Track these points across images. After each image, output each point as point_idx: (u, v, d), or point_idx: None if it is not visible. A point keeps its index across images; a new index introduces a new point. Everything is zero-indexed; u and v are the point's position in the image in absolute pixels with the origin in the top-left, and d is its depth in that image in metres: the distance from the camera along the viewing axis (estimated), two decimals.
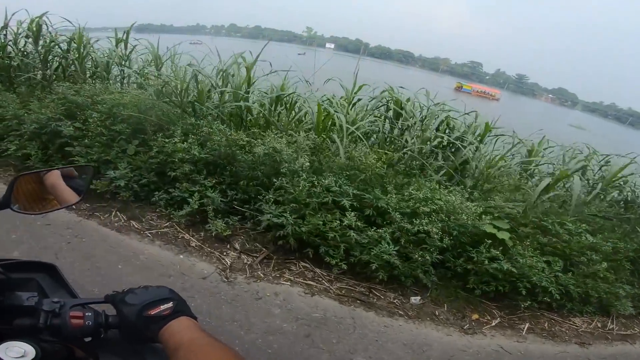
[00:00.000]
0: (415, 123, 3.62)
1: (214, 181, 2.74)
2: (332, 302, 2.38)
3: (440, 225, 2.42)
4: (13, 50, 3.95)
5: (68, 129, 3.06)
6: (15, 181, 0.75)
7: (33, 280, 0.75)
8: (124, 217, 2.75)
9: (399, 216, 2.44)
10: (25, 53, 4.01)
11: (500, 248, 2.52)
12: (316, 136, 3.00)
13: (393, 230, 2.45)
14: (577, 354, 2.43)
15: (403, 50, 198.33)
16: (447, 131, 3.51)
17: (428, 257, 2.37)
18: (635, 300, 2.84)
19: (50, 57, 3.96)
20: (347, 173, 2.66)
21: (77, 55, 3.83)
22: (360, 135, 3.05)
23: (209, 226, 2.62)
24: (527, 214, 2.82)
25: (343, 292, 2.46)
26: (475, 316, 2.51)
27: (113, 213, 2.77)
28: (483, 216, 2.58)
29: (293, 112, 3.46)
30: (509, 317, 2.57)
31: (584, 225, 2.83)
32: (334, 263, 2.42)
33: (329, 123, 3.18)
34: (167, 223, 2.74)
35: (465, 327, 2.41)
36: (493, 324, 2.49)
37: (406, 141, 3.35)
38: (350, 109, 3.64)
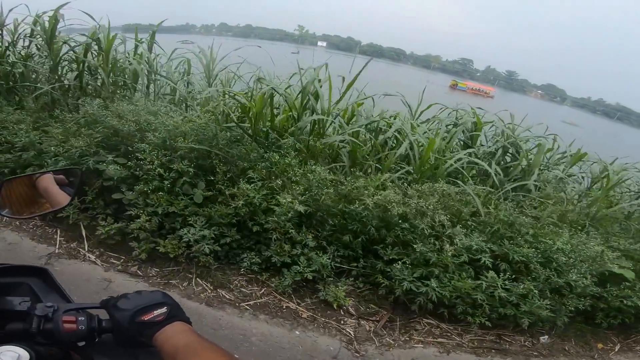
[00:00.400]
0: (497, 150, 3.34)
1: (310, 236, 2.30)
2: (469, 356, 2.21)
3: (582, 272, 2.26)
4: (13, 54, 3.10)
5: (114, 169, 2.40)
6: (2, 185, 0.74)
7: (25, 285, 0.74)
8: (209, 286, 2.25)
9: (546, 270, 2.25)
10: (28, 57, 3.18)
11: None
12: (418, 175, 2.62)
13: (537, 283, 2.24)
14: None
15: (395, 48, 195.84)
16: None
17: (580, 306, 2.27)
18: None
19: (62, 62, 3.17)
20: (474, 224, 2.34)
21: (102, 61, 3.05)
22: (465, 173, 2.72)
23: (322, 294, 2.23)
24: None
25: (475, 343, 2.28)
26: (600, 345, 2.55)
27: (193, 280, 2.26)
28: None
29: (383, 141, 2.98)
30: (626, 342, 2.62)
31: None
32: (478, 322, 2.19)
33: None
34: (263, 290, 2.29)
35: (595, 357, 2.44)
36: (616, 349, 2.54)
37: (497, 173, 3.03)
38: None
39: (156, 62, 3.30)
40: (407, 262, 2.17)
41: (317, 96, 2.77)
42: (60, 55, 3.15)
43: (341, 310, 2.26)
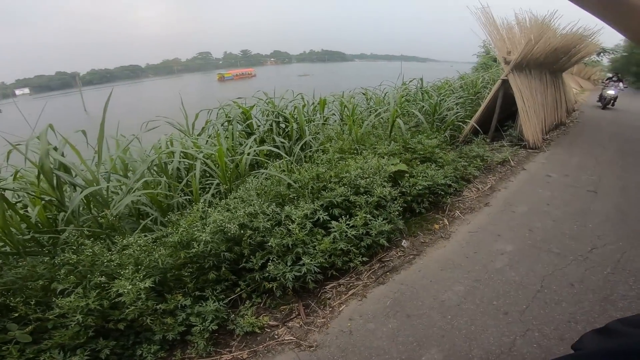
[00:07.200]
0: (272, 126, 3.80)
1: (179, 296, 2.05)
2: (379, 287, 2.43)
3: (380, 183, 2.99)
4: None
5: None
6: None
7: None
8: None
9: (362, 197, 2.83)
10: None
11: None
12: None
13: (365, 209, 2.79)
14: None
15: (127, 66, 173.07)
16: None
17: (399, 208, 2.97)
18: None
19: None
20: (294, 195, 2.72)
21: None
22: (263, 159, 2.97)
23: (238, 331, 2.10)
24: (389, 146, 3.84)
25: (373, 277, 2.53)
26: (436, 226, 3.20)
27: None
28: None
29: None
30: (447, 216, 3.35)
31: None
32: (359, 262, 2.56)
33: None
34: None
35: (444, 235, 3.05)
36: (448, 224, 3.24)
37: (282, 143, 3.53)
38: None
39: None
40: (275, 258, 2.26)
41: (66, 169, 2.21)
42: None
43: (265, 329, 2.16)
